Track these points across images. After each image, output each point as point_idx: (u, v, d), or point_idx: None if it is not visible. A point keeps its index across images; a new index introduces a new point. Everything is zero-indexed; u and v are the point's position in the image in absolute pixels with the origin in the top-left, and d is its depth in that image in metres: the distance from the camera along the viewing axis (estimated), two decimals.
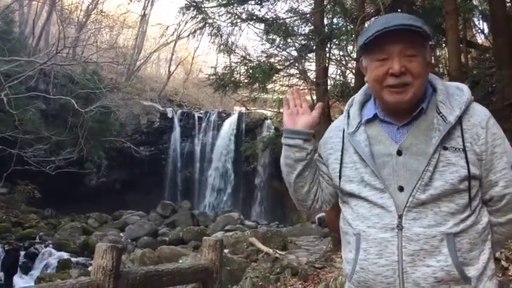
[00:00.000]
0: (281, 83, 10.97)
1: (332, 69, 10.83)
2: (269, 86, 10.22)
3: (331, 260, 6.03)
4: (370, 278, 1.30)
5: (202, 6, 8.87)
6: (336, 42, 8.55)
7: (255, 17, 8.97)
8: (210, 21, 8.98)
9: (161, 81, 26.95)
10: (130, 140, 18.95)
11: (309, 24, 9.09)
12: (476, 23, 12.85)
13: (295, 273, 5.66)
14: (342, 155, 1.42)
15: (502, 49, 6.66)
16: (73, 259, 10.97)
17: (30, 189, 14.91)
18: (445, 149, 1.27)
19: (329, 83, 9.33)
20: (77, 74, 18.03)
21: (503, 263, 3.50)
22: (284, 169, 1.49)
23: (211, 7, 8.93)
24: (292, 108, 1.50)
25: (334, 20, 9.29)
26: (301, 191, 1.49)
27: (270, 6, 9.18)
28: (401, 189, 1.28)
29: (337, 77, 11.29)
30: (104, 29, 25.48)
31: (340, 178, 1.41)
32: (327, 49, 8.39)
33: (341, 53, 9.86)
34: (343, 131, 1.44)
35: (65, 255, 11.25)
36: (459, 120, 1.29)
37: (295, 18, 9.30)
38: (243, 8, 8.95)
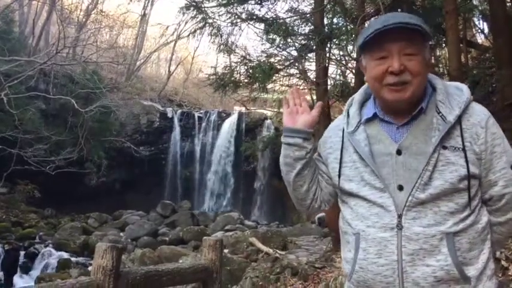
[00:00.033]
0: (281, 82, 10.99)
1: (332, 69, 10.84)
2: (269, 86, 10.23)
3: (331, 259, 6.03)
4: (370, 277, 1.30)
5: (202, 6, 8.88)
6: (336, 42, 8.57)
7: (255, 17, 8.98)
8: (210, 21, 8.99)
9: (161, 81, 26.96)
10: (130, 139, 18.95)
11: (309, 24, 9.10)
12: (476, 23, 12.87)
13: (295, 273, 5.65)
14: (341, 154, 1.42)
15: (502, 49, 6.67)
16: (73, 259, 10.96)
17: (30, 189, 14.92)
18: (445, 148, 1.27)
19: (329, 82, 9.35)
20: (76, 74, 18.03)
21: (503, 262, 3.49)
22: (283, 168, 1.49)
23: (211, 7, 8.95)
24: (291, 107, 1.50)
25: (334, 20, 9.30)
26: (300, 190, 1.49)
27: (270, 6, 9.21)
28: (400, 188, 1.28)
29: (337, 76, 11.31)
30: (104, 28, 25.49)
31: (339, 177, 1.41)
32: (327, 49, 8.40)
33: (341, 53, 9.88)
34: (343, 130, 1.45)
35: (65, 255, 11.25)
36: (458, 120, 1.29)
37: (295, 18, 9.31)
38: (243, 8, 8.96)
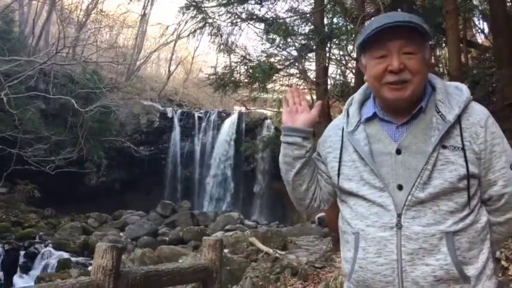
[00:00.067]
0: (281, 82, 10.99)
1: (332, 69, 10.86)
2: (269, 86, 10.23)
3: (331, 259, 6.03)
4: (369, 277, 1.30)
5: (202, 5, 8.88)
6: (336, 41, 8.57)
7: (255, 17, 8.97)
8: (210, 20, 8.99)
9: (161, 81, 26.96)
10: (130, 139, 18.96)
11: (309, 23, 9.10)
12: (476, 22, 12.88)
13: (295, 273, 5.65)
14: (340, 154, 1.42)
15: (502, 49, 6.67)
16: (73, 259, 10.96)
17: (30, 189, 14.93)
18: (444, 147, 1.27)
19: (329, 82, 9.36)
20: (76, 74, 18.03)
21: (503, 262, 3.49)
22: (282, 167, 1.49)
23: (211, 7, 8.95)
24: (291, 106, 1.50)
25: (334, 20, 9.30)
26: (299, 189, 1.48)
27: (270, 6, 9.21)
28: (400, 187, 1.28)
29: (337, 76, 11.33)
30: (104, 28, 25.50)
31: (338, 176, 1.41)
32: (327, 49, 8.40)
33: (341, 53, 9.89)
34: (343, 129, 1.44)
35: (65, 255, 11.25)
36: (458, 119, 1.29)
37: (295, 17, 9.31)
38: (243, 8, 8.96)
